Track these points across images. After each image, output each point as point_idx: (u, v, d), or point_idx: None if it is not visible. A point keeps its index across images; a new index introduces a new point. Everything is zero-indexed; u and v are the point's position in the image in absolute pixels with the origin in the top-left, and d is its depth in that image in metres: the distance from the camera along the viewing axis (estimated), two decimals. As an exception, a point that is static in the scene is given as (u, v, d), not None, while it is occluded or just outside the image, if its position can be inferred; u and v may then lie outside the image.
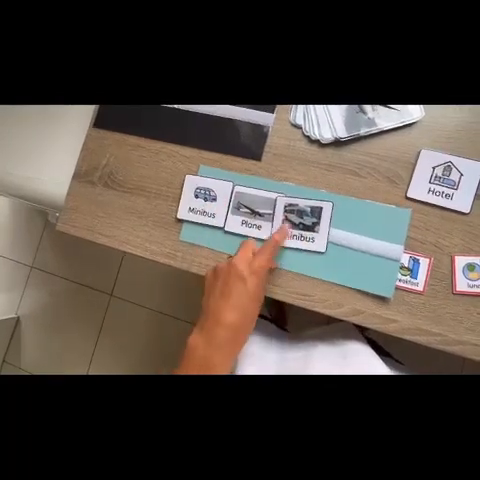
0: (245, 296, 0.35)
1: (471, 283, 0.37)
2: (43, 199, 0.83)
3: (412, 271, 0.39)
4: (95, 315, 1.39)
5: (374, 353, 0.41)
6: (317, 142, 0.43)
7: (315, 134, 0.43)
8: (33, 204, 0.85)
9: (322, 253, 0.41)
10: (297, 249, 0.42)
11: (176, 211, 0.46)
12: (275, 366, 0.42)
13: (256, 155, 0.45)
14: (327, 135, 0.43)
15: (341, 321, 0.53)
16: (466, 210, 0.38)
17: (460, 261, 0.38)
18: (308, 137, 0.44)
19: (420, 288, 0.39)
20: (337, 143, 0.43)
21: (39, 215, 1.44)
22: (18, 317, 1.41)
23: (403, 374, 0.43)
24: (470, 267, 0.38)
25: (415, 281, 0.39)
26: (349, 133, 0.42)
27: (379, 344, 0.54)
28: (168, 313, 1.32)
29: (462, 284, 0.38)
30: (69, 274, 1.42)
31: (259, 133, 0.45)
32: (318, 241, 0.42)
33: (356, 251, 0.40)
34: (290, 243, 0.42)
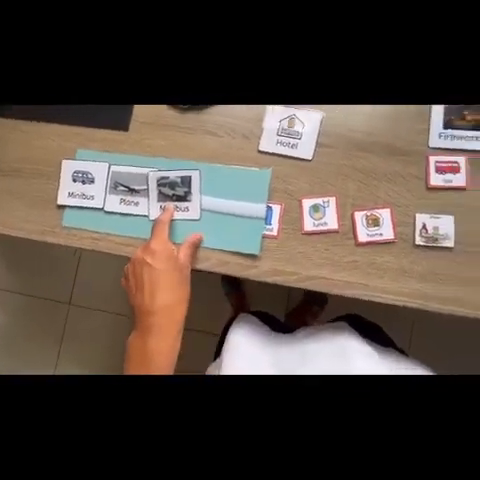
0: (155, 276, 0.37)
1: (316, 222, 0.40)
2: None
3: (266, 218, 0.41)
4: (54, 327, 1.35)
5: (372, 351, 0.40)
6: (178, 107, 0.45)
7: (175, 100, 0.45)
8: None
9: (197, 220, 0.43)
10: (175, 220, 0.43)
11: (55, 189, 0.46)
12: (270, 368, 0.40)
13: (123, 126, 0.46)
14: (186, 100, 0.44)
15: (333, 321, 0.51)
16: (309, 157, 0.41)
17: (306, 203, 0.41)
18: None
19: (274, 233, 0.41)
20: (198, 108, 0.45)
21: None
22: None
23: (403, 367, 0.41)
24: (315, 208, 0.40)
25: (270, 227, 0.41)
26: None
27: (383, 330, 0.53)
28: (130, 315, 1.30)
29: (309, 224, 0.40)
30: (22, 288, 1.38)
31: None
32: (192, 209, 0.43)
33: (226, 215, 0.42)
34: None
